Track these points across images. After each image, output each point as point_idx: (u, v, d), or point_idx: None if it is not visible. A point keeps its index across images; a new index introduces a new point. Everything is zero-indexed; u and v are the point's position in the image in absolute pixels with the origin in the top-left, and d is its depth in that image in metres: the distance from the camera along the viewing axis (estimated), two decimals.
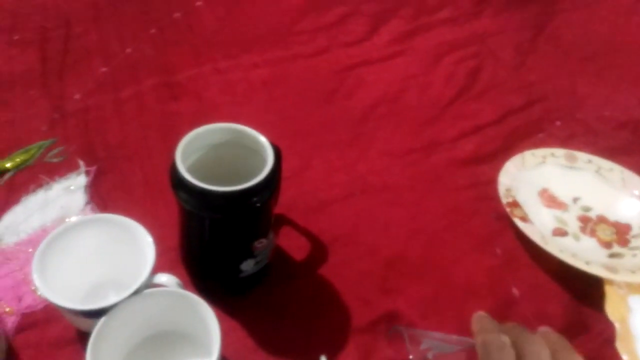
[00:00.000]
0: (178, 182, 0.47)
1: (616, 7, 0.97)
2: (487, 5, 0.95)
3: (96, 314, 0.46)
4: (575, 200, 0.66)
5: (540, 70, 0.85)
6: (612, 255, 0.60)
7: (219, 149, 0.52)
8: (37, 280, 0.47)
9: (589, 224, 0.64)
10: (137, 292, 0.47)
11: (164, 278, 0.50)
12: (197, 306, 0.48)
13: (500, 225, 0.63)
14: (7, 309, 0.54)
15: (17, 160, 0.65)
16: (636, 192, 0.66)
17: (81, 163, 0.65)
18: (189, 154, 0.49)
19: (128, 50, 0.80)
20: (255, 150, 0.50)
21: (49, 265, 0.49)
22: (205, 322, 0.48)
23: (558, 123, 0.76)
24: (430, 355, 0.34)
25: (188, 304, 0.48)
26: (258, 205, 0.47)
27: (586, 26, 0.92)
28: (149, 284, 0.49)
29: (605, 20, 0.94)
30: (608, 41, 0.91)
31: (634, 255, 0.59)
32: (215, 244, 0.51)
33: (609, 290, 0.55)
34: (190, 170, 0.46)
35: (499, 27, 0.91)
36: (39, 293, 0.55)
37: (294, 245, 0.60)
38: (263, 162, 0.48)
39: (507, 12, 0.94)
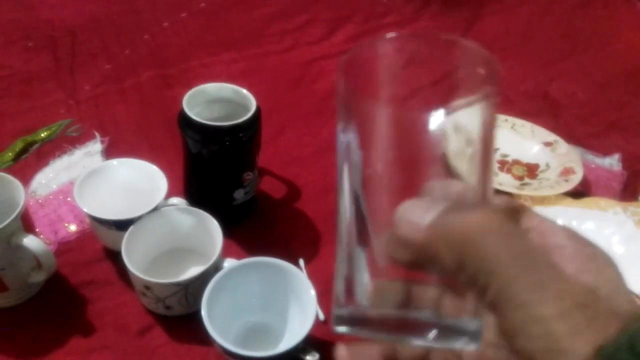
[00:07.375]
0: (185, 122, 0.62)
1: (532, 9, 1.18)
2: (425, 12, 1.14)
3: (125, 224, 0.60)
4: (495, 150, 0.83)
5: None
6: (522, 185, 0.77)
7: (212, 106, 0.67)
8: (79, 202, 0.61)
9: (506, 165, 0.81)
10: (155, 209, 0.62)
11: (175, 200, 0.64)
12: (203, 219, 0.62)
13: None
14: (47, 241, 0.67)
15: (42, 135, 0.79)
16: (543, 140, 0.83)
17: (97, 133, 0.79)
18: (191, 106, 0.64)
19: (127, 51, 0.95)
20: (241, 105, 0.66)
21: (85, 194, 0.62)
22: (210, 231, 0.61)
23: None
24: None
25: (196, 218, 0.62)
26: (244, 139, 0.63)
27: (506, 25, 1.12)
28: (164, 205, 0.63)
29: (523, 20, 1.14)
30: (525, 36, 1.10)
31: (540, 183, 0.76)
32: (213, 175, 0.66)
33: None
34: None
35: (435, 27, 1.10)
36: (81, 216, 0.68)
37: (274, 189, 0.75)
38: (247, 111, 0.64)
39: (442, 16, 1.13)
